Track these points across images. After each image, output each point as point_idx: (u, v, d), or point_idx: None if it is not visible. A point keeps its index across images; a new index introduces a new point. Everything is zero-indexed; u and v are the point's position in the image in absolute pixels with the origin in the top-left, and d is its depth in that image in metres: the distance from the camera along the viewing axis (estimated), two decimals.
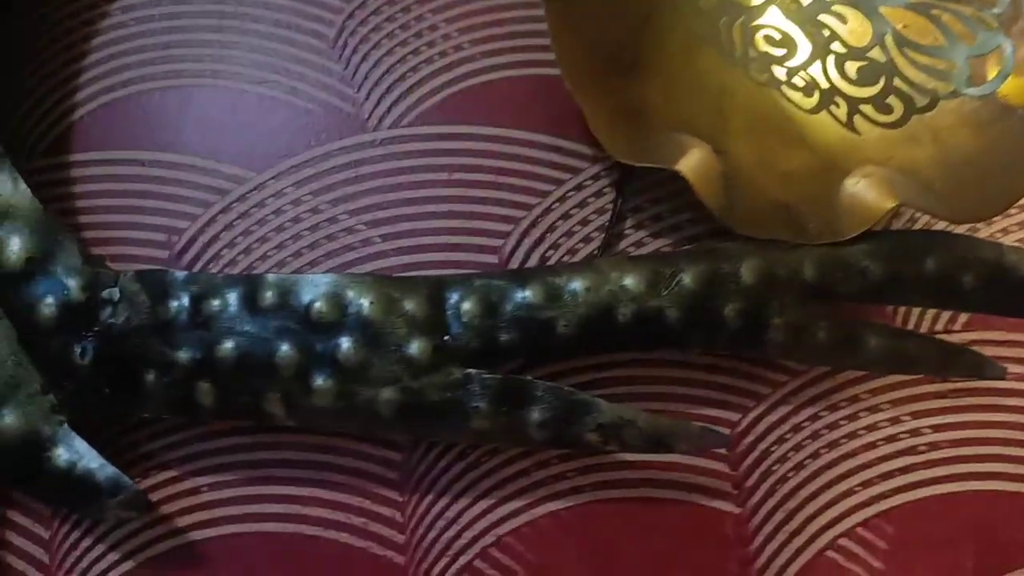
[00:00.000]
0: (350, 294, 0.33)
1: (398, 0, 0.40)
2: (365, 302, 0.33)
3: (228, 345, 0.33)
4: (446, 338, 0.33)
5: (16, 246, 0.33)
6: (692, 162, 0.34)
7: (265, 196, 0.38)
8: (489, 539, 0.36)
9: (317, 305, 0.33)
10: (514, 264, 0.37)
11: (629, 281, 0.34)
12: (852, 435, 0.37)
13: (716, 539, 0.36)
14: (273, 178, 0.38)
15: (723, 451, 0.36)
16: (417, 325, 0.33)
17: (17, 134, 0.38)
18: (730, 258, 0.34)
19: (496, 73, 0.39)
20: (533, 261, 0.38)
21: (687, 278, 0.34)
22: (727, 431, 0.36)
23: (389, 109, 0.39)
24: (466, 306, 0.33)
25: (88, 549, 0.36)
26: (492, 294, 0.33)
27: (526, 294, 0.33)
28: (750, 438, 0.37)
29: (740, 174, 0.36)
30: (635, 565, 0.35)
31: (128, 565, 0.35)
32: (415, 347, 0.33)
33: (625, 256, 0.36)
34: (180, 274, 0.34)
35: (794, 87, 0.37)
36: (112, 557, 0.36)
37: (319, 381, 0.33)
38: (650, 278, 0.34)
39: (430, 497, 0.36)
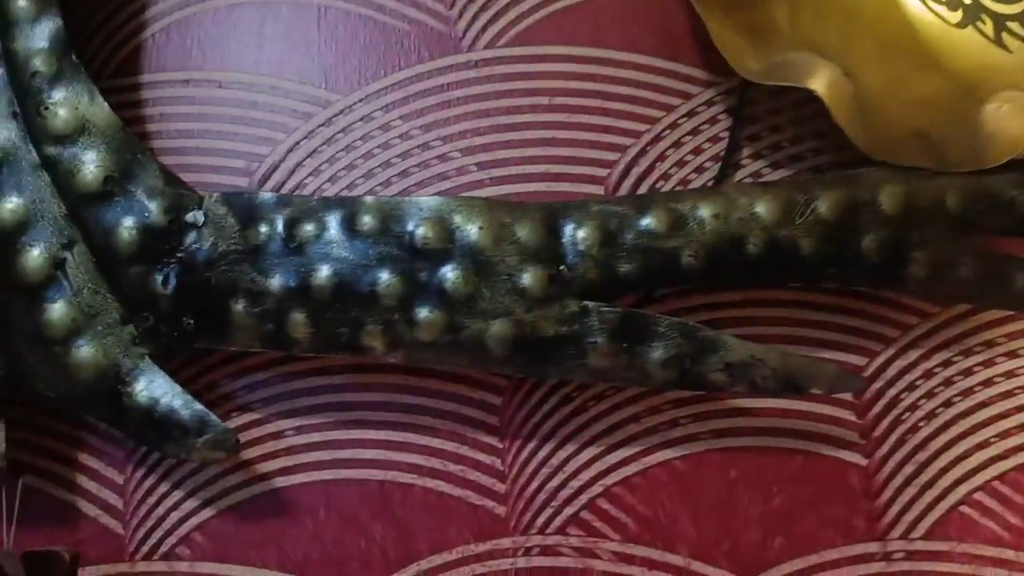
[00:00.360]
0: (457, 219, 0.30)
1: None
2: (474, 228, 0.30)
3: (325, 272, 0.30)
4: (561, 268, 0.30)
5: (93, 164, 0.30)
6: (824, 82, 0.31)
7: (352, 120, 0.35)
8: (596, 489, 0.33)
9: (422, 230, 0.30)
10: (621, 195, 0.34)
11: (760, 208, 0.31)
12: (988, 382, 0.34)
13: (841, 492, 0.33)
14: (360, 101, 0.35)
15: (849, 398, 0.33)
16: (530, 253, 0.30)
17: (82, 53, 0.35)
18: (868, 185, 0.31)
19: None
20: (642, 192, 0.34)
21: (823, 206, 0.31)
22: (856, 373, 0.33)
23: (485, 28, 0.36)
24: (583, 234, 0.30)
25: (164, 496, 0.33)
26: (610, 221, 0.30)
27: (648, 221, 0.30)
28: (878, 384, 0.34)
29: (872, 98, 0.33)
30: (754, 520, 0.33)
31: (207, 513, 0.33)
32: (528, 277, 0.30)
33: (755, 182, 0.33)
34: (270, 196, 0.31)
35: (938, 0, 0.34)
36: (189, 505, 0.33)
37: (424, 312, 0.30)
38: (783, 206, 0.31)
39: (533, 444, 0.33)
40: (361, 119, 0.35)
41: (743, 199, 0.31)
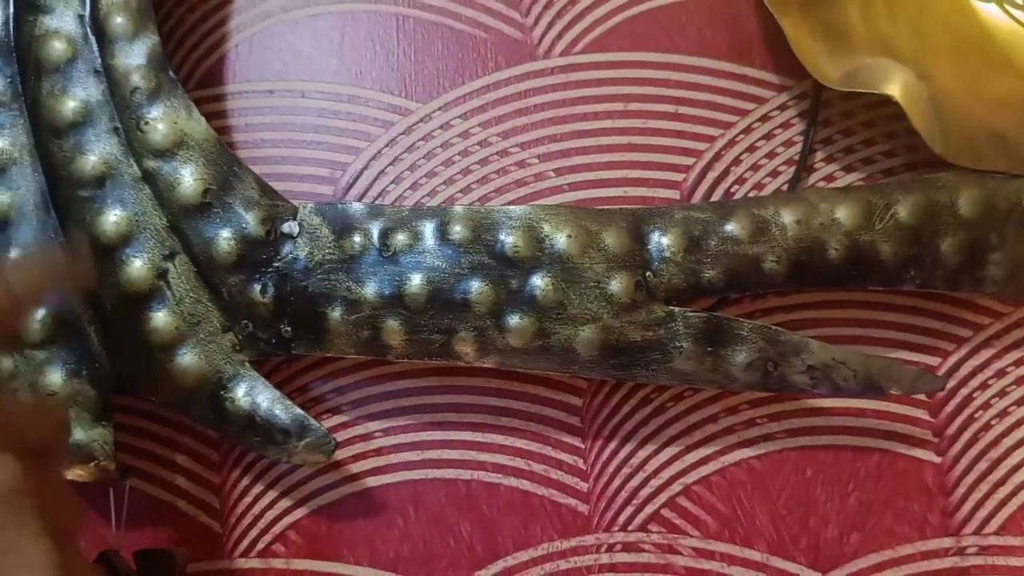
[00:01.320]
0: (546, 227, 0.31)
1: None
2: (562, 236, 0.31)
3: (418, 281, 0.31)
4: (647, 274, 0.31)
5: (192, 177, 0.31)
6: (900, 87, 0.32)
7: (432, 128, 0.36)
8: (676, 488, 0.34)
9: (512, 239, 0.31)
10: (696, 199, 0.35)
11: (841, 214, 0.31)
12: None
13: (915, 489, 0.34)
14: (439, 109, 0.36)
15: (923, 397, 0.34)
16: (617, 260, 0.31)
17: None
18: (946, 189, 0.32)
19: None
20: (717, 196, 0.35)
21: (902, 210, 0.31)
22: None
23: (560, 35, 0.36)
24: (667, 240, 0.31)
25: (259, 495, 0.34)
26: (694, 227, 0.31)
27: (731, 227, 0.31)
28: (951, 383, 0.34)
29: (947, 100, 0.34)
30: (831, 516, 0.34)
31: (301, 512, 0.34)
32: (615, 283, 0.31)
33: (835, 188, 0.33)
34: (362, 206, 0.32)
35: (1015, 4, 0.34)
36: (284, 504, 0.34)
37: (514, 319, 0.31)
38: (863, 210, 0.31)
39: (614, 444, 0.34)
40: (440, 127, 0.36)
41: (824, 204, 0.32)
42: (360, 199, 0.35)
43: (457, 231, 0.31)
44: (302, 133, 0.36)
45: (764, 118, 0.36)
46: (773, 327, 0.31)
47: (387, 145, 0.36)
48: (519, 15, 0.37)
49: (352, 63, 0.37)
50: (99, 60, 0.32)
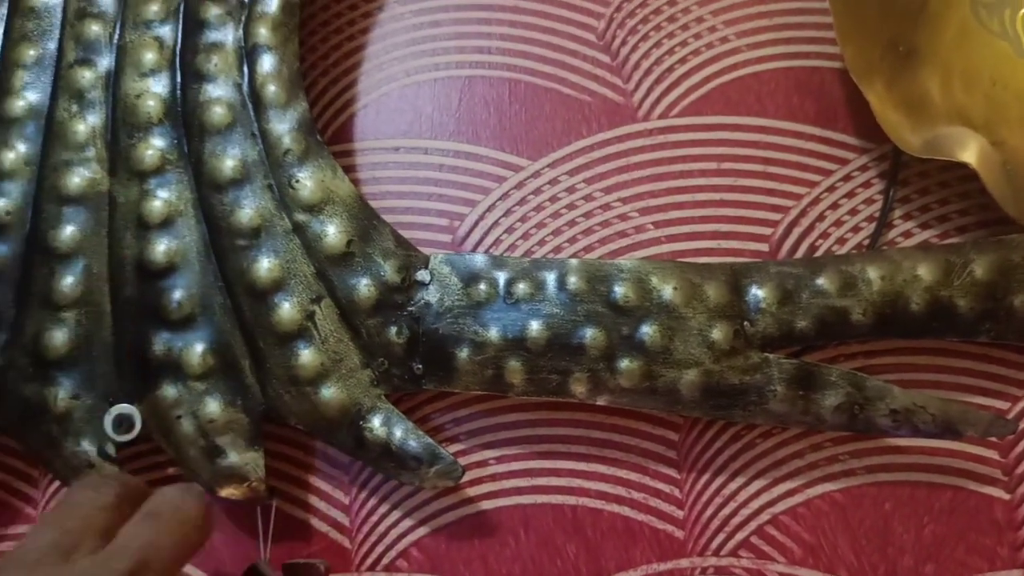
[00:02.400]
0: (654, 280, 0.35)
1: None
2: (668, 288, 0.34)
3: (538, 326, 0.34)
4: (745, 323, 0.34)
5: (337, 230, 0.35)
6: (975, 153, 0.35)
7: (541, 183, 0.40)
8: (765, 517, 0.37)
9: (623, 290, 0.34)
10: (784, 252, 0.39)
11: (922, 271, 0.35)
12: None
13: (986, 523, 0.37)
14: (548, 166, 0.40)
15: (995, 439, 0.37)
16: (718, 311, 0.34)
17: None
18: (1019, 249, 0.35)
19: (762, 65, 0.41)
20: (803, 249, 0.39)
21: (978, 269, 0.35)
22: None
23: (659, 100, 0.40)
24: (763, 293, 0.35)
25: (385, 515, 0.38)
26: (787, 281, 0.35)
27: (821, 282, 0.35)
28: (1021, 426, 0.37)
29: (1019, 164, 0.37)
30: (907, 547, 0.37)
31: (422, 531, 0.37)
32: (716, 332, 0.34)
33: (915, 246, 0.37)
34: (487, 257, 0.35)
35: None
36: (407, 523, 0.38)
37: (625, 363, 0.34)
38: (942, 268, 0.35)
39: (707, 475, 0.37)
40: (549, 182, 0.40)
41: (906, 262, 0.35)
42: (475, 248, 0.39)
43: (573, 282, 0.35)
44: (424, 187, 0.40)
45: (846, 178, 0.39)
46: (859, 373, 0.34)
47: (500, 198, 0.40)
48: (621, 81, 0.40)
49: (469, 123, 0.41)
50: (255, 125, 0.36)
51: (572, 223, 0.39)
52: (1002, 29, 0.38)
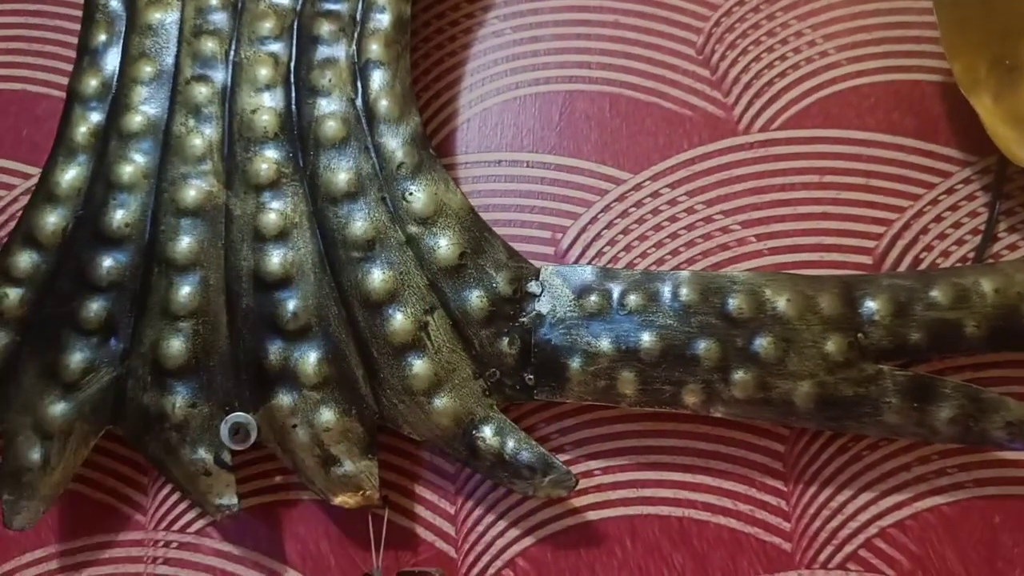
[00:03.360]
0: (768, 292, 0.35)
1: (762, 8, 0.42)
2: (782, 300, 0.35)
3: (651, 337, 0.35)
4: (859, 335, 0.34)
5: (450, 242, 0.36)
6: None
7: (642, 196, 0.40)
8: (873, 530, 0.37)
9: (736, 302, 0.35)
10: (888, 264, 0.39)
11: None
12: None
13: None
14: (650, 179, 0.40)
15: None
16: (831, 322, 0.35)
17: None
18: None
19: (863, 79, 0.41)
20: (907, 262, 0.39)
21: None
22: None
23: (759, 113, 0.40)
24: (876, 305, 0.35)
25: (491, 525, 0.38)
26: (900, 294, 0.35)
27: (935, 294, 0.35)
28: None
29: None
30: (1017, 560, 0.36)
31: (528, 541, 0.38)
32: (830, 344, 0.34)
33: None
34: (597, 269, 0.36)
35: None
36: (512, 533, 0.38)
37: (739, 374, 0.34)
38: None
39: (814, 488, 0.37)
40: (650, 195, 0.40)
41: (1020, 275, 0.35)
42: (578, 259, 0.40)
43: (686, 293, 0.35)
44: (527, 199, 0.41)
45: (950, 191, 0.39)
46: (974, 386, 0.34)
47: (602, 211, 0.40)
48: (721, 95, 0.41)
49: (570, 137, 0.41)
50: (369, 139, 0.37)
51: (674, 236, 0.39)
52: None
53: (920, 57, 0.41)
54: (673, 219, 0.40)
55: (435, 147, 0.41)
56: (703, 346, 0.34)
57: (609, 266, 0.39)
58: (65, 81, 0.41)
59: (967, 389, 0.34)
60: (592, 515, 0.38)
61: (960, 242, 0.39)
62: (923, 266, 0.39)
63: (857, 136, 0.40)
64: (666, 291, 0.35)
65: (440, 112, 0.41)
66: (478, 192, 0.41)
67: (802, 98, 0.40)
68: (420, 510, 0.38)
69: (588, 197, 0.40)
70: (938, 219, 0.39)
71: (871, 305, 0.35)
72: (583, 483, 0.38)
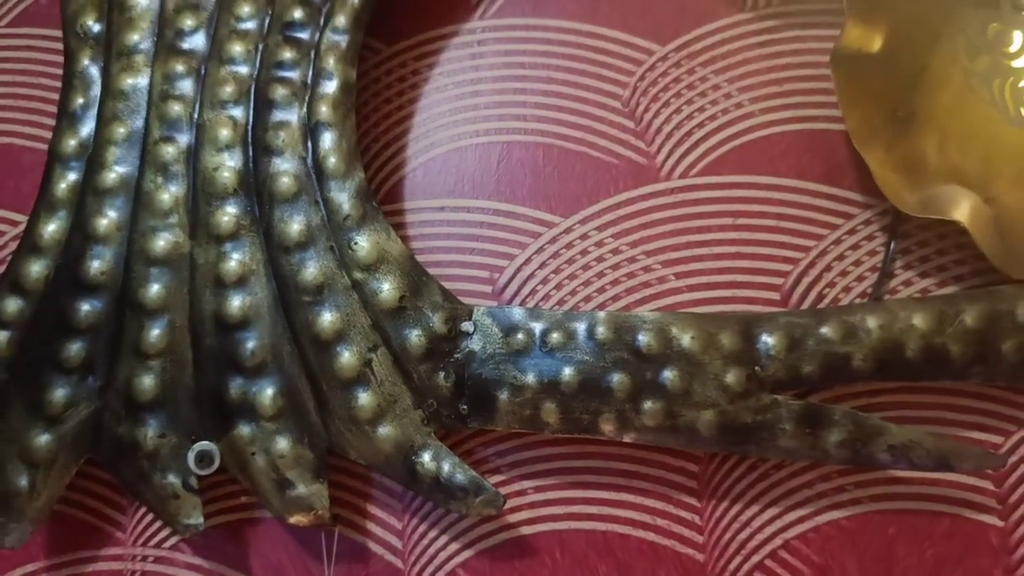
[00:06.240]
0: (674, 330, 0.39)
1: (683, 63, 0.46)
2: (687, 337, 0.39)
3: (570, 371, 0.39)
4: (756, 368, 0.39)
5: (391, 286, 0.40)
6: (966, 211, 0.39)
7: (572, 238, 0.44)
8: (778, 542, 0.41)
9: (646, 339, 0.39)
10: (794, 299, 0.43)
11: (917, 320, 0.39)
12: None
13: (983, 548, 0.40)
14: (579, 222, 0.44)
15: (989, 471, 0.41)
16: (731, 357, 0.39)
17: None
18: (1006, 299, 0.39)
19: (774, 128, 0.45)
20: (811, 298, 0.43)
21: (968, 317, 0.39)
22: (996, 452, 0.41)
23: (679, 161, 0.45)
24: (772, 341, 0.39)
25: (434, 539, 0.42)
26: (795, 331, 0.39)
27: (825, 330, 0.39)
28: (1013, 458, 0.41)
29: (1009, 220, 0.41)
30: (911, 570, 0.40)
31: (468, 553, 0.42)
32: (730, 376, 0.38)
33: (911, 297, 0.41)
34: (522, 310, 0.40)
35: None
36: (454, 546, 0.42)
37: (648, 404, 0.39)
38: (936, 317, 0.39)
39: (725, 503, 0.42)
40: (579, 238, 0.44)
41: (903, 312, 0.39)
42: (513, 297, 0.44)
43: (601, 332, 0.39)
44: (467, 242, 0.45)
45: (852, 231, 0.43)
46: (859, 412, 0.38)
47: (535, 252, 0.44)
48: (644, 144, 0.45)
49: (507, 184, 0.45)
50: (319, 193, 0.41)
51: (601, 275, 0.44)
52: (991, 97, 0.42)
53: (827, 108, 0.45)
54: (600, 259, 0.44)
55: (384, 194, 0.45)
56: (616, 379, 0.39)
57: (536, 306, 0.43)
58: (48, 135, 0.45)
59: (854, 416, 0.38)
60: (525, 530, 0.42)
61: (860, 279, 0.43)
62: (826, 301, 0.43)
63: (769, 181, 0.44)
64: (584, 329, 0.39)
65: (389, 162, 0.46)
66: (423, 235, 0.45)
67: (719, 146, 0.44)
68: (371, 526, 0.43)
69: (523, 240, 0.44)
70: (840, 257, 0.43)
71: (768, 341, 0.39)
72: (517, 501, 0.42)
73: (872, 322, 0.38)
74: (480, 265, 0.44)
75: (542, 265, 0.44)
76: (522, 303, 0.44)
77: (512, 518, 0.42)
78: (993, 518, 0.40)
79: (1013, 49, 0.43)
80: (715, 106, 0.45)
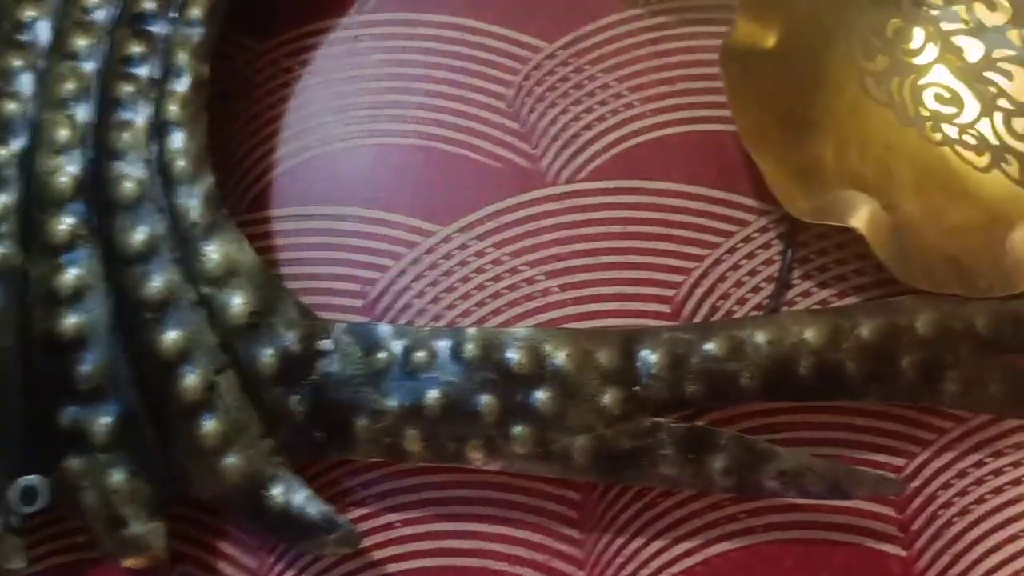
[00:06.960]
0: (547, 347, 0.36)
1: (571, 61, 0.43)
2: (561, 355, 0.35)
3: (434, 394, 0.35)
4: (636, 388, 0.35)
5: (241, 301, 0.36)
6: (864, 218, 0.36)
7: (451, 248, 0.41)
8: None
9: (517, 358, 0.35)
10: (686, 312, 0.40)
11: (810, 334, 0.36)
12: (1017, 481, 0.38)
13: None
14: (459, 231, 0.41)
15: (890, 496, 0.38)
16: (609, 376, 0.35)
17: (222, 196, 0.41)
18: (905, 312, 0.36)
19: (666, 130, 0.42)
20: (704, 310, 0.40)
21: (865, 331, 0.36)
22: (895, 476, 0.38)
23: (566, 164, 0.41)
24: (654, 358, 0.36)
25: None
26: (678, 347, 0.36)
27: (711, 347, 0.36)
28: (916, 483, 0.38)
29: (908, 228, 0.38)
30: None
31: None
32: (608, 397, 0.35)
33: (805, 310, 0.38)
34: (387, 327, 0.37)
35: (966, 145, 0.39)
36: None
37: (518, 429, 0.35)
38: (830, 332, 0.36)
39: (608, 535, 0.38)
40: (459, 247, 0.41)
41: (794, 327, 0.36)
42: (386, 311, 0.40)
43: (469, 350, 0.36)
44: (339, 252, 0.41)
45: (747, 239, 0.40)
46: (747, 436, 0.35)
47: (411, 263, 0.41)
48: (529, 147, 0.42)
49: (383, 190, 0.42)
50: (164, 200, 0.37)
51: (480, 287, 0.40)
52: (889, 98, 0.39)
53: (721, 108, 0.42)
54: (480, 270, 0.40)
55: (250, 201, 0.42)
56: (484, 401, 0.35)
57: (411, 322, 0.40)
58: None
59: (741, 439, 0.35)
60: (392, 567, 0.38)
61: (756, 289, 0.40)
62: (720, 313, 0.40)
63: (660, 186, 0.41)
64: (449, 348, 0.36)
65: (255, 166, 0.42)
66: (291, 245, 0.41)
67: (608, 149, 0.41)
68: (223, 565, 0.39)
69: (398, 250, 0.41)
70: (735, 267, 0.40)
71: (649, 358, 0.35)
72: (383, 536, 0.39)
73: (761, 337, 0.35)
74: (351, 278, 0.41)
75: (418, 277, 0.40)
76: (395, 319, 0.40)
77: (378, 555, 0.38)
78: (895, 547, 0.37)
79: (914, 46, 0.40)
80: (604, 106, 0.42)
